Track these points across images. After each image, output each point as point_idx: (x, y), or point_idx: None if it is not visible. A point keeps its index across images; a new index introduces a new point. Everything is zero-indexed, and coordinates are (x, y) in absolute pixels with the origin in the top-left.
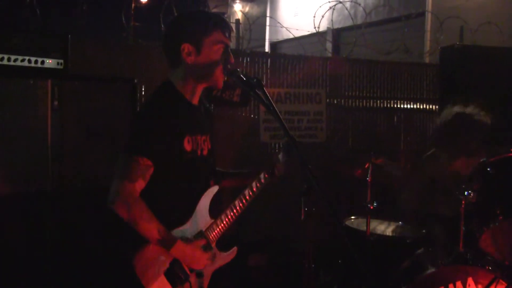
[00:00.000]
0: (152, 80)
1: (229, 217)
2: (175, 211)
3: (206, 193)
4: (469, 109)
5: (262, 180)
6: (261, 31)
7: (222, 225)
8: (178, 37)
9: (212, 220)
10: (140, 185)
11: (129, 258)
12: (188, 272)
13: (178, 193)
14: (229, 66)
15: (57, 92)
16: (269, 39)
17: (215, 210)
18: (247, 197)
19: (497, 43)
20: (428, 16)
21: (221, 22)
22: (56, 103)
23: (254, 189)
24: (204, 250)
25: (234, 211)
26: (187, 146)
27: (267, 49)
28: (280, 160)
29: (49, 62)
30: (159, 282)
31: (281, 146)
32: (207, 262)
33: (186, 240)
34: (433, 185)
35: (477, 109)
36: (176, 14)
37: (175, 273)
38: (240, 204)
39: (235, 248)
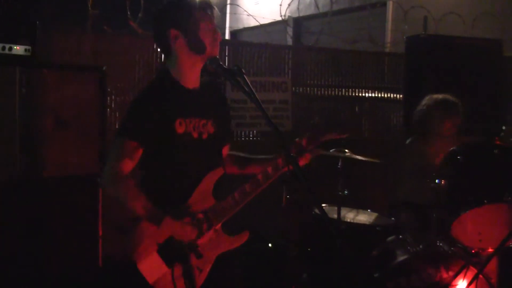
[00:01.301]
0: (120, 68)
1: (236, 199)
2: (170, 191)
3: (209, 175)
4: (443, 95)
5: (280, 167)
6: (222, 19)
7: (228, 207)
8: (163, 24)
9: (215, 202)
10: (127, 164)
11: (124, 235)
12: (187, 251)
13: (173, 174)
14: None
15: (25, 79)
16: (229, 27)
17: (220, 192)
18: (261, 182)
19: (459, 33)
20: (390, 6)
21: (201, 2)
22: (24, 90)
23: (271, 175)
24: (195, 228)
25: (242, 195)
26: (179, 129)
27: (227, 37)
28: (302, 146)
29: (17, 49)
30: (151, 258)
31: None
32: (192, 237)
33: (177, 216)
34: (413, 173)
35: (451, 96)
36: (142, 1)
37: (169, 251)
38: (252, 189)
39: (246, 233)
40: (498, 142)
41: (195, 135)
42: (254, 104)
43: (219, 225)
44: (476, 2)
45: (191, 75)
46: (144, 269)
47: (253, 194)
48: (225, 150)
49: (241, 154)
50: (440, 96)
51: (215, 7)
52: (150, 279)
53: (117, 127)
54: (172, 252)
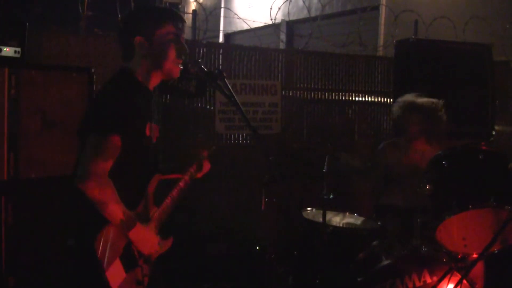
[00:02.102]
0: (109, 69)
1: (169, 205)
2: (129, 194)
3: (152, 180)
4: (414, 96)
5: (194, 175)
6: (216, 22)
7: (164, 213)
8: (131, 30)
9: (156, 208)
10: (110, 165)
11: (90, 241)
12: (138, 257)
13: (133, 177)
14: (182, 57)
15: (14, 80)
16: (223, 30)
17: (157, 198)
18: (182, 187)
19: (450, 37)
20: (382, 10)
21: (172, 14)
22: (13, 91)
23: (188, 181)
24: (156, 234)
25: (173, 200)
26: (147, 131)
27: (221, 40)
28: (205, 158)
29: (7, 51)
30: (115, 265)
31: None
32: (158, 247)
33: (143, 222)
34: (389, 174)
35: (425, 97)
36: (132, 3)
37: (129, 256)
38: (177, 194)
39: (171, 239)
40: (483, 147)
41: (154, 139)
42: (234, 107)
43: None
44: (467, 7)
45: (155, 81)
46: (110, 276)
47: (178, 201)
48: None
49: None
50: (409, 97)
51: (185, 20)
52: (114, 286)
53: (99, 120)
54: (129, 258)
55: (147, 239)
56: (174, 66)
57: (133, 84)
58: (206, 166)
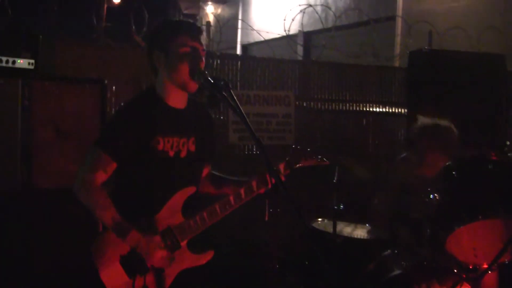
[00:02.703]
0: (122, 81)
1: (204, 219)
2: (139, 205)
3: (180, 192)
4: (437, 121)
5: (254, 189)
6: (233, 33)
7: (195, 226)
8: (150, 46)
9: (183, 219)
10: (100, 176)
11: (88, 244)
12: (148, 265)
13: (143, 189)
14: (198, 70)
15: (28, 92)
16: (241, 41)
17: (189, 210)
18: (233, 204)
19: (465, 47)
20: (399, 20)
21: (187, 26)
22: (26, 102)
23: (243, 196)
24: (162, 247)
25: (212, 214)
26: (156, 146)
27: (238, 51)
28: (280, 171)
29: (20, 62)
30: (113, 268)
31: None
32: (161, 257)
33: (143, 231)
34: (403, 188)
35: (447, 122)
36: (146, 15)
37: (131, 263)
38: (222, 209)
39: (211, 252)
40: (493, 157)
41: (171, 153)
42: (239, 118)
43: (185, 242)
44: (481, 17)
45: (176, 95)
46: (105, 276)
47: (223, 215)
48: (206, 170)
49: (218, 174)
50: (429, 123)
51: (202, 29)
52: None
53: (99, 134)
54: (134, 264)
55: (146, 248)
56: (188, 80)
57: (148, 100)
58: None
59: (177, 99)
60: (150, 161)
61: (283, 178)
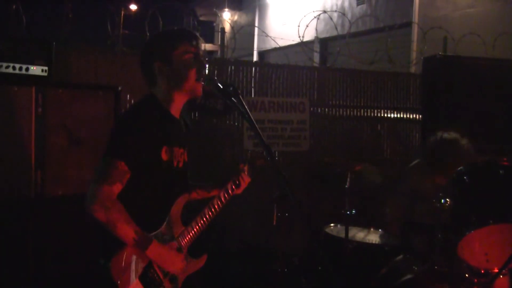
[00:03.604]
0: (136, 88)
1: (199, 225)
2: (149, 217)
3: (177, 201)
4: (456, 136)
5: (230, 191)
6: (250, 40)
7: (192, 232)
8: (149, 58)
9: (184, 227)
10: (117, 188)
11: (105, 262)
12: (162, 277)
13: (152, 200)
14: (204, 73)
15: (41, 99)
16: (257, 48)
17: (186, 218)
18: (216, 207)
19: (480, 53)
20: (414, 27)
21: (186, 34)
22: (40, 110)
23: (223, 199)
24: (178, 252)
25: (204, 219)
26: (164, 156)
27: (255, 58)
28: (244, 171)
29: (34, 69)
30: (134, 286)
31: (247, 157)
32: (182, 265)
33: (162, 241)
34: (415, 194)
35: (464, 137)
36: (161, 22)
37: (149, 277)
38: (210, 213)
39: (204, 256)
40: (504, 163)
41: (175, 163)
42: (248, 123)
43: (186, 249)
44: (496, 23)
45: (178, 104)
46: None
47: (212, 218)
48: None
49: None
50: (447, 139)
51: (200, 38)
52: None
53: (109, 145)
54: (151, 278)
55: (167, 257)
56: (196, 84)
57: (154, 109)
58: (245, 180)
59: (177, 108)
60: (157, 171)
61: (247, 179)
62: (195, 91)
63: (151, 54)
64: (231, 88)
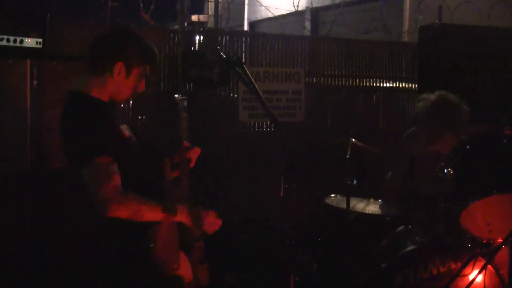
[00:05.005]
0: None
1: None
2: (150, 191)
3: (165, 166)
4: (446, 96)
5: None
6: (240, 10)
7: (184, 194)
8: (116, 54)
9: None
10: (117, 180)
11: (141, 252)
12: (193, 238)
13: (140, 179)
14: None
15: (36, 72)
16: (247, 18)
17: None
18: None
19: (475, 22)
20: None
21: (154, 58)
22: (35, 82)
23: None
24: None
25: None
26: (126, 133)
27: (246, 28)
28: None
29: (28, 41)
30: (181, 259)
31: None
32: (212, 223)
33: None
34: (412, 163)
35: (456, 98)
36: None
37: (185, 243)
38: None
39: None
40: (507, 131)
41: (133, 140)
42: (252, 94)
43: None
44: None
45: (104, 98)
46: (182, 272)
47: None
48: None
49: None
50: (438, 100)
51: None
52: (187, 278)
53: (78, 153)
54: (186, 244)
55: (199, 215)
56: (128, 96)
57: (91, 102)
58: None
59: (106, 100)
60: (130, 149)
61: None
62: (122, 99)
63: (119, 53)
64: (235, 58)
